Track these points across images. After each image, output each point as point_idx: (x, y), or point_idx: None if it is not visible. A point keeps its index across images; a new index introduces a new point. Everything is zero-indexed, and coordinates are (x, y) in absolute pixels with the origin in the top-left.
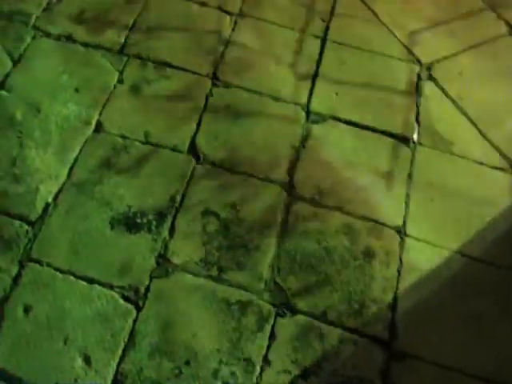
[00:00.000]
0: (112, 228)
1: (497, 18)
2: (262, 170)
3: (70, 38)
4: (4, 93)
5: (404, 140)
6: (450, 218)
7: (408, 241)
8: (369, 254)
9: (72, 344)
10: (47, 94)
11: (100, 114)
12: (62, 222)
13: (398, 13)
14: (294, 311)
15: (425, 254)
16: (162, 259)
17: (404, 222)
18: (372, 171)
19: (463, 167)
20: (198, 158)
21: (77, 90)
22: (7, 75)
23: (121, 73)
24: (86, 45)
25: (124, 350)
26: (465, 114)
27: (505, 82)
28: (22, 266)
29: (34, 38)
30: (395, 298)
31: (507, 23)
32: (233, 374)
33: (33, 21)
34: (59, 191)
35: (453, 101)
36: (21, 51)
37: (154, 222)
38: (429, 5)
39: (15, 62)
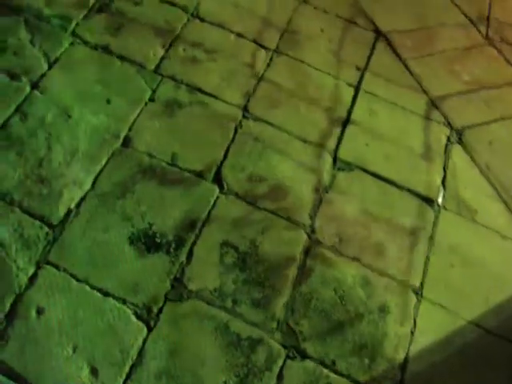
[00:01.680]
0: (131, 244)
1: None
2: (284, 209)
3: (106, 49)
4: (37, 93)
5: (429, 201)
6: (467, 286)
7: (424, 303)
8: (384, 310)
9: (81, 353)
10: (79, 100)
11: (129, 129)
12: (82, 230)
13: (435, 73)
14: (304, 356)
15: (439, 319)
16: (178, 283)
17: (421, 284)
18: (394, 227)
19: (485, 237)
20: (221, 187)
21: (108, 102)
22: (42, 76)
23: (154, 91)
24: (122, 58)
25: (131, 368)
26: (491, 183)
27: None
28: (38, 267)
29: (71, 44)
30: (406, 359)
31: None
32: None
33: (72, 27)
34: (82, 199)
35: (480, 169)
36: (57, 55)
37: (173, 245)
38: (467, 70)
39: (51, 65)
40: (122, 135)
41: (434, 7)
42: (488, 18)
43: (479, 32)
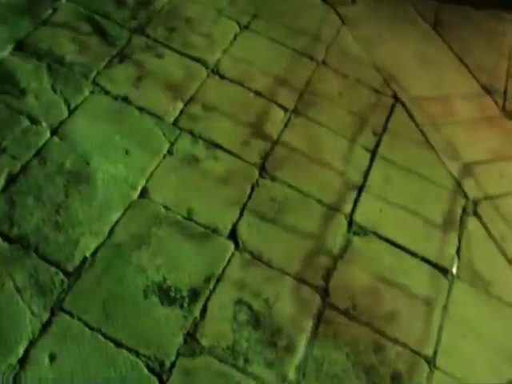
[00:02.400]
0: (145, 296)
1: None
2: (298, 271)
3: (126, 100)
4: (57, 139)
5: (443, 271)
6: (479, 359)
7: (437, 373)
8: (396, 379)
9: None
10: (98, 149)
11: (147, 180)
12: (97, 279)
13: (451, 142)
14: None
15: None
16: (191, 338)
17: (434, 353)
18: (407, 294)
19: (498, 310)
20: (237, 245)
21: (127, 152)
22: (62, 122)
23: (172, 144)
24: (141, 109)
25: None
26: (506, 256)
27: None
28: (53, 313)
29: (92, 92)
30: None
31: None
32: None
33: (93, 75)
34: (98, 248)
35: (495, 241)
36: (78, 102)
37: (187, 300)
38: (483, 141)
39: (71, 112)
40: (140, 186)
41: (453, 76)
42: (505, 90)
43: (496, 103)
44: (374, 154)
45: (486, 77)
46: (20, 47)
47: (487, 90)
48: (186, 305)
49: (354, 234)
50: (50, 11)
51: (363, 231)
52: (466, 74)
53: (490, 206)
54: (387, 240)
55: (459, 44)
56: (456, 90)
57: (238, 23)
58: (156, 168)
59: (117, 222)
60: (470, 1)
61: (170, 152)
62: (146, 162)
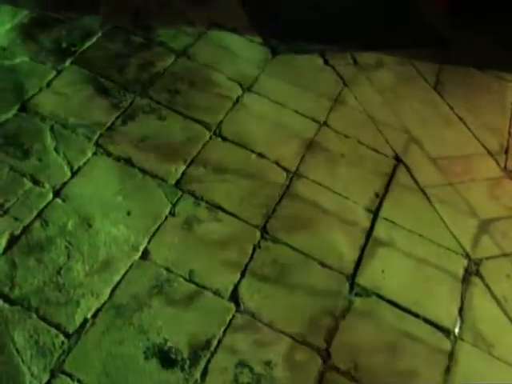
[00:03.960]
0: (146, 358)
1: None
2: (299, 332)
3: (129, 162)
4: (59, 201)
5: (445, 331)
6: None
7: None
8: None
9: None
10: (100, 210)
11: (148, 242)
12: (97, 341)
13: (453, 203)
14: None
15: None
16: None
17: None
18: (410, 355)
19: (501, 372)
20: (238, 306)
21: (129, 213)
22: (64, 184)
23: (174, 206)
24: (143, 171)
25: None
26: (508, 317)
27: None
28: (53, 375)
29: (94, 153)
30: None
31: None
32: None
33: (96, 137)
34: (99, 310)
35: (498, 301)
36: (80, 164)
37: (188, 362)
38: (485, 202)
39: (74, 173)
40: (141, 248)
41: (454, 137)
42: (507, 151)
43: (498, 164)
44: (376, 215)
45: (488, 137)
46: (24, 109)
47: (489, 151)
48: (186, 367)
49: (356, 295)
50: (54, 73)
51: (365, 292)
52: (467, 135)
53: (492, 267)
54: (389, 301)
55: (460, 104)
56: (457, 151)
57: (241, 85)
58: (158, 229)
59: (118, 283)
60: (472, 62)
61: (171, 213)
62: (147, 223)
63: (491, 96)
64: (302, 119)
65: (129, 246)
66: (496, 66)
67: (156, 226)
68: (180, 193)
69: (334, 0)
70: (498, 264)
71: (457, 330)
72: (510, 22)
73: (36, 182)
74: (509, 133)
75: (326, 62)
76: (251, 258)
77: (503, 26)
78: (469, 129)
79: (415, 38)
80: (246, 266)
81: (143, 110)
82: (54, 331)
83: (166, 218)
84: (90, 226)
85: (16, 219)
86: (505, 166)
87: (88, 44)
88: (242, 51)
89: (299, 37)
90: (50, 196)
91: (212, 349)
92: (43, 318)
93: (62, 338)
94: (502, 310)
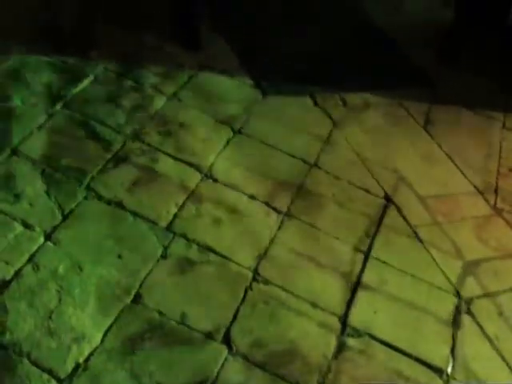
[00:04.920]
0: None
1: None
2: (292, 375)
3: (120, 205)
4: (50, 244)
5: (437, 371)
6: None
7: None
8: None
9: None
10: (91, 254)
11: (140, 285)
12: None
13: (443, 242)
14: None
15: None
16: None
17: None
18: None
19: None
20: (230, 349)
21: (120, 257)
22: (56, 228)
23: (165, 248)
24: (135, 214)
25: None
26: (501, 355)
27: None
28: None
29: (85, 197)
30: None
31: None
32: None
33: (87, 181)
34: (91, 354)
35: (490, 340)
36: (72, 207)
37: None
38: (474, 240)
39: (65, 217)
40: (133, 291)
41: (444, 175)
42: (496, 189)
43: (487, 202)
44: (367, 255)
45: (477, 176)
46: (15, 152)
47: (478, 190)
48: None
49: (348, 335)
50: (45, 117)
51: (357, 333)
52: (456, 173)
53: (484, 305)
54: (382, 341)
55: (450, 143)
56: (447, 190)
57: (231, 127)
58: (149, 272)
59: (110, 327)
60: (460, 101)
61: (163, 256)
62: (139, 266)
63: (480, 135)
64: (292, 160)
65: (120, 289)
66: (484, 105)
67: (148, 270)
68: (171, 235)
69: (324, 42)
70: (489, 303)
71: (449, 370)
72: (496, 61)
73: (27, 226)
74: (498, 171)
75: (316, 103)
76: (243, 300)
77: (490, 65)
78: (458, 168)
79: (403, 78)
80: (238, 308)
81: (134, 153)
82: (45, 376)
83: (158, 260)
84: (81, 269)
85: (7, 263)
86: (494, 205)
87: (79, 87)
88: (231, 93)
89: (289, 78)
90: (41, 240)
91: None
92: (35, 363)
93: (54, 383)
94: (494, 349)
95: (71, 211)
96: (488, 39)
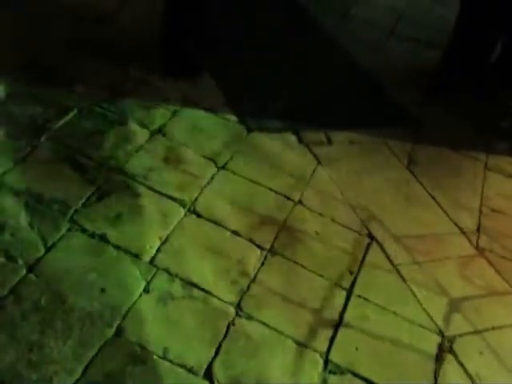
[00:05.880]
0: None
1: None
2: None
3: (103, 238)
4: (32, 276)
5: None
6: None
7: None
8: None
9: None
10: (74, 287)
11: (123, 318)
12: None
13: (426, 282)
14: None
15: None
16: None
17: None
18: None
19: None
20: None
21: (103, 290)
22: (38, 260)
23: (148, 283)
24: (118, 248)
25: None
26: None
27: None
28: None
29: (69, 230)
30: None
31: None
32: None
33: (71, 213)
34: None
35: (471, 378)
36: (55, 239)
37: None
38: (456, 281)
39: (48, 249)
40: (115, 325)
41: (426, 215)
42: (478, 229)
43: (470, 243)
44: (350, 292)
45: (460, 216)
46: None
47: (461, 229)
48: None
49: (330, 372)
50: (29, 149)
51: (339, 370)
52: (439, 213)
53: (465, 344)
54: (363, 379)
55: (433, 183)
56: (430, 229)
57: (215, 163)
58: (132, 306)
59: (91, 360)
60: (443, 141)
61: (146, 290)
62: (122, 300)
63: (463, 175)
64: (276, 197)
65: (103, 322)
66: (467, 145)
67: (130, 303)
68: (154, 270)
69: (309, 79)
70: (471, 341)
71: None
72: (475, 101)
73: (9, 258)
74: (480, 211)
75: (300, 140)
76: (225, 335)
77: (471, 105)
78: (441, 207)
79: (388, 117)
80: (221, 343)
81: (118, 187)
82: None
83: (141, 295)
84: (63, 303)
85: None
86: (477, 244)
87: (63, 121)
88: (216, 129)
89: (274, 115)
90: (24, 272)
91: None
92: None
93: None
94: None
95: (54, 243)
96: (471, 80)
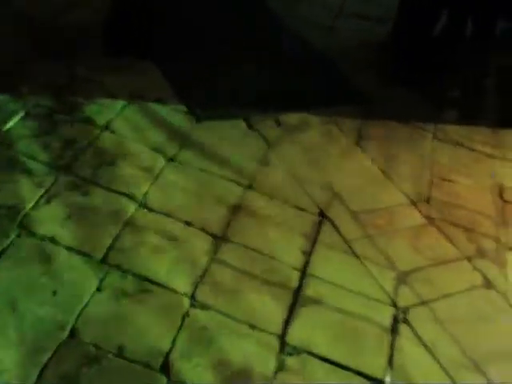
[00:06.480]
0: None
1: (472, 269)
2: None
3: (53, 240)
4: None
5: (377, 381)
6: None
7: None
8: None
9: None
10: (25, 292)
11: (76, 320)
12: None
13: (378, 254)
14: None
15: None
16: None
17: None
18: None
19: None
20: (169, 377)
21: (54, 293)
22: None
23: (101, 281)
24: (69, 249)
25: None
26: (437, 361)
27: (480, 331)
28: None
29: (18, 235)
30: None
31: (482, 275)
32: None
33: (19, 218)
34: None
35: (426, 347)
36: (4, 246)
37: None
38: (407, 251)
39: None
40: (69, 327)
41: (376, 189)
42: (428, 199)
43: (421, 213)
44: (303, 273)
45: (410, 187)
46: None
47: (412, 201)
48: None
49: (287, 354)
50: None
51: (296, 351)
52: (390, 187)
53: (419, 313)
54: (321, 357)
55: (383, 158)
56: (381, 203)
57: (165, 155)
58: (85, 306)
59: (46, 364)
60: (392, 115)
61: (98, 289)
62: (74, 301)
63: (412, 147)
64: (227, 184)
65: (56, 325)
66: (416, 117)
67: (83, 304)
68: (106, 267)
69: (259, 65)
70: (425, 311)
71: (388, 380)
72: (424, 73)
73: None
74: (430, 181)
75: (250, 126)
76: (181, 326)
77: (420, 77)
78: (392, 181)
79: (338, 96)
80: (176, 335)
81: (67, 188)
82: None
83: (93, 294)
84: (14, 309)
85: None
86: (427, 215)
87: (10, 124)
88: (165, 121)
89: (223, 103)
90: None
91: None
92: None
93: None
94: (431, 355)
95: (3, 250)
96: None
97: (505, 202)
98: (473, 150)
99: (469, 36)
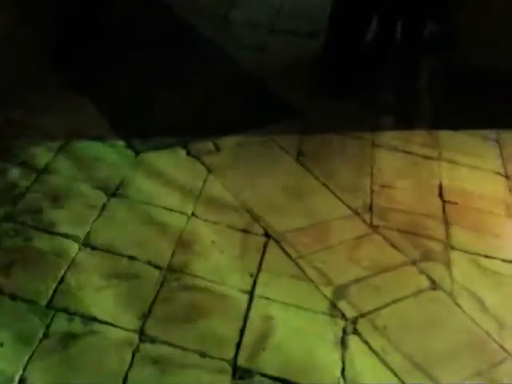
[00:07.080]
0: None
1: (418, 272)
2: None
3: None
4: None
5: None
6: None
7: None
8: None
9: None
10: None
11: (24, 369)
12: None
13: (326, 268)
14: None
15: None
16: None
17: None
18: None
19: None
20: None
21: (1, 345)
22: None
23: (47, 327)
24: (13, 297)
25: None
26: (389, 367)
27: (429, 334)
28: None
29: None
30: None
31: (428, 277)
32: None
33: None
34: None
35: (377, 354)
36: None
37: None
38: (355, 260)
39: None
40: (17, 377)
41: (320, 203)
42: (371, 208)
43: (364, 222)
44: (251, 295)
45: (352, 198)
46: None
47: (354, 211)
48: None
49: (240, 378)
50: None
51: (248, 374)
52: (332, 199)
53: (367, 322)
54: (273, 378)
55: (323, 171)
56: (325, 217)
57: (106, 191)
58: (33, 354)
59: None
60: (329, 128)
61: (46, 335)
62: (22, 350)
63: (351, 157)
64: (170, 214)
65: (5, 377)
66: (352, 127)
67: (30, 352)
68: (52, 312)
69: (194, 91)
70: (374, 319)
71: None
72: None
73: None
74: (371, 189)
75: (189, 153)
76: (131, 364)
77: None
78: (333, 193)
79: (273, 114)
80: (127, 373)
81: (8, 235)
82: None
83: (41, 341)
84: None
85: None
86: (371, 223)
87: None
88: (103, 157)
89: (160, 133)
90: None
91: None
92: None
93: None
94: (382, 363)
95: None
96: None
97: (444, 201)
98: (410, 153)
99: (398, 40)
